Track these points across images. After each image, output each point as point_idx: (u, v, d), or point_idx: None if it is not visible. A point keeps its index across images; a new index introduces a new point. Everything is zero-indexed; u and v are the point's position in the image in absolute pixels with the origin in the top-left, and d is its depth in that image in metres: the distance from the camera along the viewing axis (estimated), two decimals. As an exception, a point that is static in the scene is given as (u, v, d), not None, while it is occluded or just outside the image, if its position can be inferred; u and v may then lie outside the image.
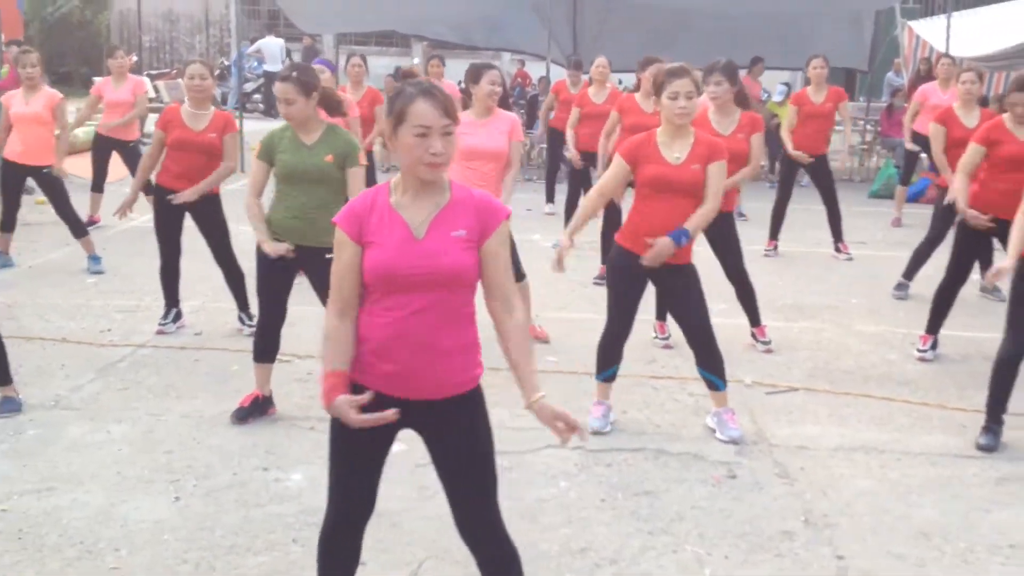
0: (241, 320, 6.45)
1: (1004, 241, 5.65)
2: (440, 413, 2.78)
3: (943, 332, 6.30)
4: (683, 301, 4.87)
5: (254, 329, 5.47)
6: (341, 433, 2.80)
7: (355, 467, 2.85)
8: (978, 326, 6.76)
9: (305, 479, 4.37)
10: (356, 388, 2.75)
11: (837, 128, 9.76)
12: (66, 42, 26.54)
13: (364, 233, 2.72)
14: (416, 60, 19.23)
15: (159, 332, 6.34)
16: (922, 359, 6.23)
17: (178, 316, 6.50)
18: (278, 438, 4.81)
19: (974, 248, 6.12)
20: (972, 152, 5.84)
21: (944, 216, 7.14)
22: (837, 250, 9.20)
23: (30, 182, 8.27)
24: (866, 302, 7.64)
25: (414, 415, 2.77)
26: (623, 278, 4.87)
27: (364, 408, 2.69)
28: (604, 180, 4.88)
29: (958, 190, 5.84)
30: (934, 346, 6.29)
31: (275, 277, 4.92)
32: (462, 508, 2.86)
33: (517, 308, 2.81)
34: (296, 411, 5.12)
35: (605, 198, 4.90)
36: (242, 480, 4.35)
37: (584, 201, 4.96)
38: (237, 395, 5.11)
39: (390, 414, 2.66)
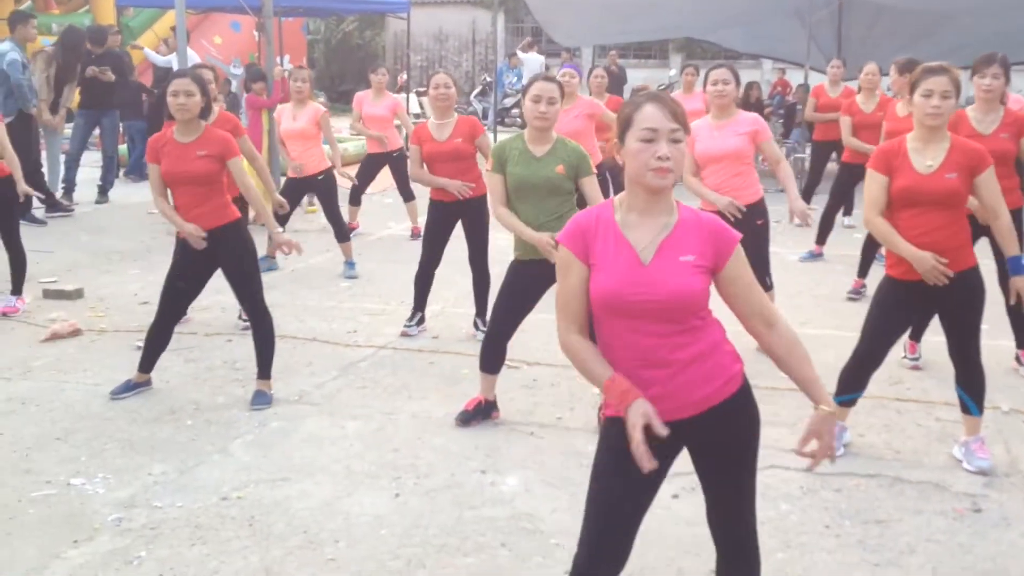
0: (476, 325, 6.59)
1: None
2: (702, 427, 2.65)
3: None
4: (961, 311, 4.44)
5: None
6: (612, 456, 2.67)
7: (620, 498, 2.68)
8: None
9: (520, 484, 4.39)
10: (613, 422, 2.66)
11: None
12: (346, 63, 28.39)
13: (590, 254, 2.62)
14: (672, 71, 19.12)
15: (402, 334, 6.60)
16: None
17: (421, 320, 6.73)
18: (498, 442, 4.87)
19: None
20: None
21: None
22: None
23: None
24: None
25: (679, 435, 2.63)
26: (894, 306, 4.50)
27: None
28: (871, 200, 4.39)
29: None
30: None
31: (524, 295, 4.93)
32: (719, 508, 2.79)
33: (777, 319, 2.66)
34: (518, 416, 5.17)
35: (882, 214, 4.40)
36: (459, 481, 4.43)
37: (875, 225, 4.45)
38: (464, 398, 5.21)
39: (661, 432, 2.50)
